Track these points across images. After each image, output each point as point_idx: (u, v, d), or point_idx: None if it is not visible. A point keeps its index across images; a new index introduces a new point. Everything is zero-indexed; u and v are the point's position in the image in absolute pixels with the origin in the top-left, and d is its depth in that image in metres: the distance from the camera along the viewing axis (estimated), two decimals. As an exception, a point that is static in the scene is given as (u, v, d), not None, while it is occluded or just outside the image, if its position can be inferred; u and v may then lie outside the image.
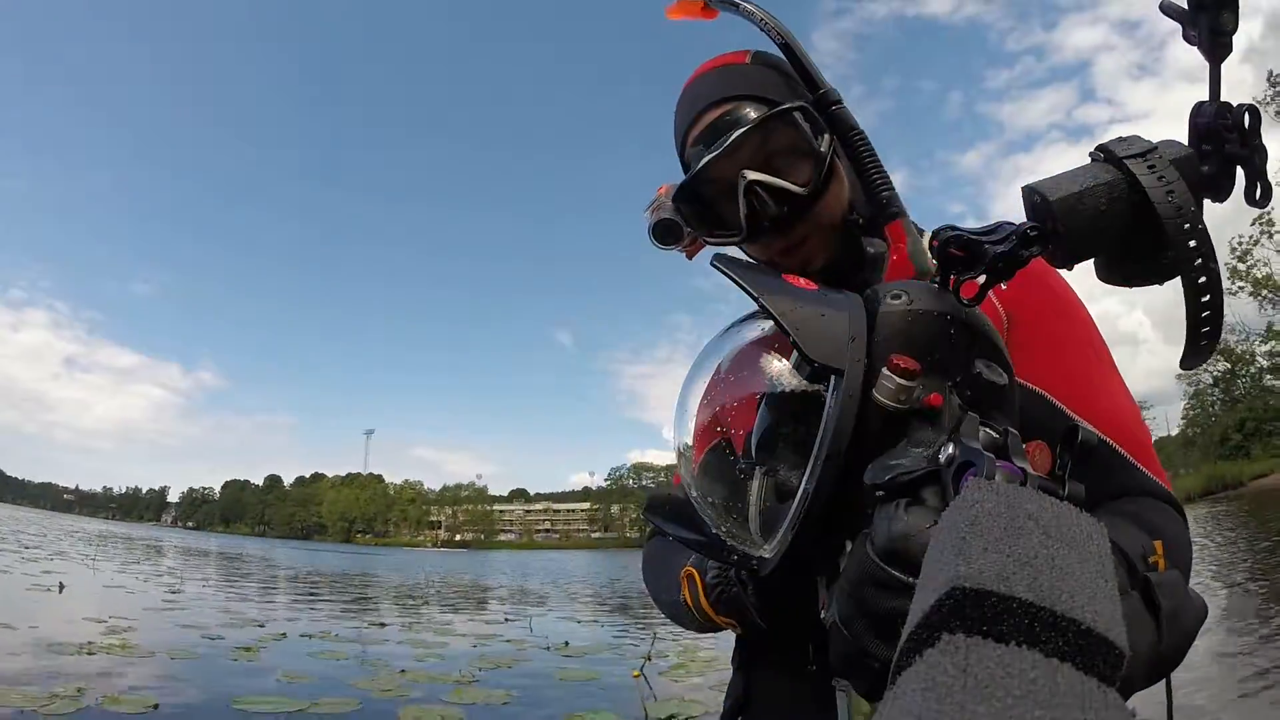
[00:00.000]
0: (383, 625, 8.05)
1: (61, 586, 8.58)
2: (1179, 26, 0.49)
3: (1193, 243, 0.42)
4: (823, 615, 0.45)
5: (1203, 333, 0.44)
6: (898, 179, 0.66)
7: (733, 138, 0.66)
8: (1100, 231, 0.44)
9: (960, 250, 0.45)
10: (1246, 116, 0.47)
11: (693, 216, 0.72)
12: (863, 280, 0.67)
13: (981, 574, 0.20)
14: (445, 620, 8.92)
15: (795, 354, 0.48)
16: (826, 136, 0.67)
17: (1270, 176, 0.48)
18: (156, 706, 3.60)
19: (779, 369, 0.51)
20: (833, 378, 0.43)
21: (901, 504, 0.37)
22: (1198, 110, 0.48)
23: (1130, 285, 0.49)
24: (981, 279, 0.44)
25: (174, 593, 9.96)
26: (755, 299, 0.46)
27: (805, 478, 0.43)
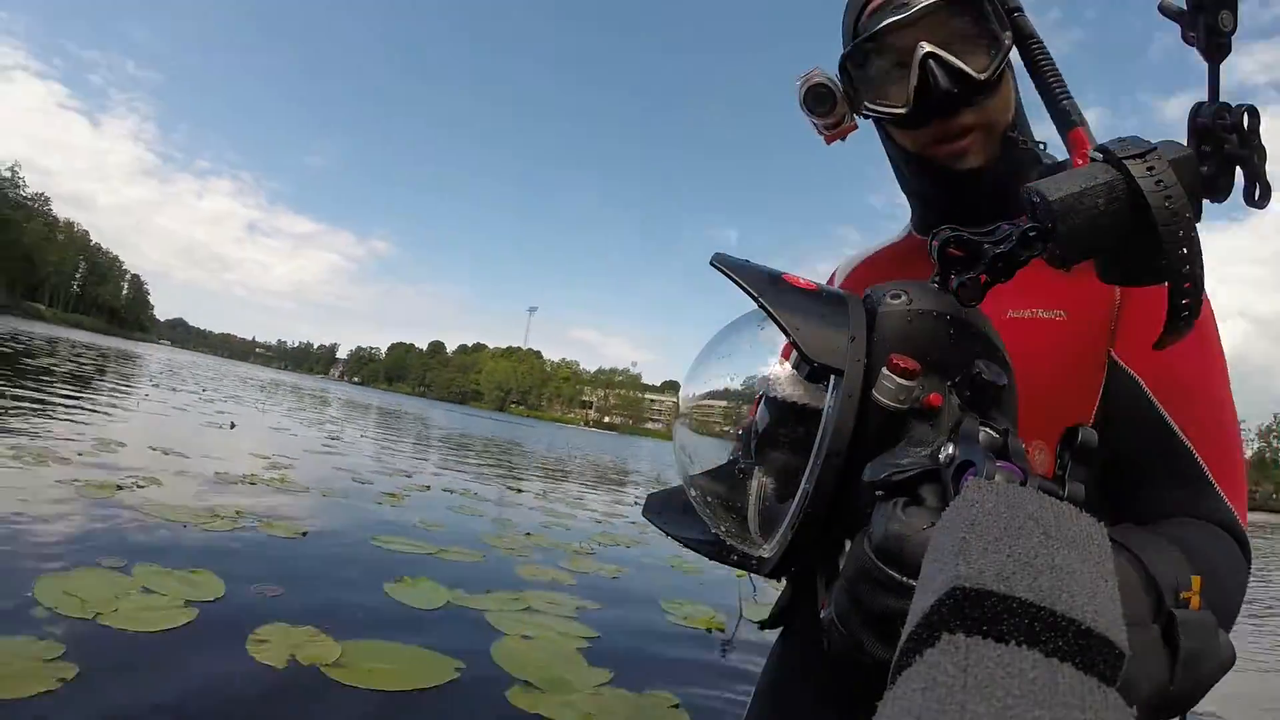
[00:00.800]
0: (520, 491, 8.37)
1: (233, 425, 9.14)
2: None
3: (1183, 250, 0.43)
4: (822, 615, 0.45)
5: (1178, 325, 0.46)
6: (1091, 117, 0.61)
7: (920, 5, 0.65)
8: (1099, 232, 0.44)
9: (960, 250, 0.45)
10: (1245, 116, 0.47)
11: (859, 79, 0.71)
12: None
13: (981, 574, 0.20)
14: (579, 495, 9.21)
15: (794, 353, 0.49)
16: (1009, 35, 0.65)
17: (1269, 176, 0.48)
18: (305, 534, 3.91)
19: (778, 368, 0.51)
20: (832, 377, 0.43)
21: (899, 503, 0.37)
22: (1196, 110, 0.48)
23: (1129, 285, 0.49)
24: (982, 279, 0.45)
25: (333, 439, 10.43)
26: (754, 298, 0.46)
27: (805, 477, 0.43)
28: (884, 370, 0.41)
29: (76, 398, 8.52)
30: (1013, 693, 0.17)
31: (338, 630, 2.48)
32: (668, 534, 0.63)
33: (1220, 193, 0.48)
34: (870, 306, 0.47)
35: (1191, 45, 0.50)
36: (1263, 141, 0.48)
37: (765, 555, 0.48)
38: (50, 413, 6.73)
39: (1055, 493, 0.32)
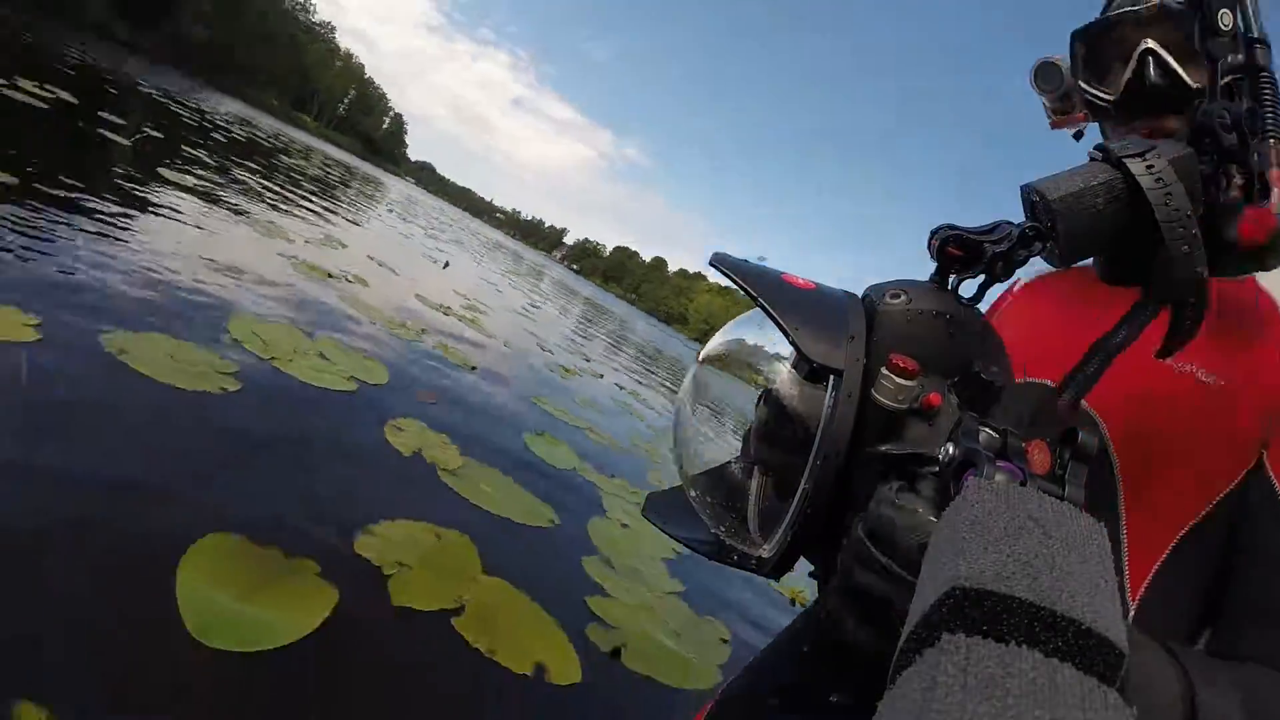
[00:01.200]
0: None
1: (447, 264, 9.57)
2: None
3: (1185, 248, 0.43)
4: (821, 616, 0.45)
5: (1184, 331, 0.45)
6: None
7: (1154, 4, 0.66)
8: (1098, 231, 0.44)
9: (959, 250, 0.45)
10: (1245, 115, 0.47)
11: (1083, 57, 0.72)
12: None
13: (981, 574, 0.20)
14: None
15: (793, 353, 0.48)
16: (1237, 59, 0.64)
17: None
18: (474, 369, 4.15)
19: (777, 368, 0.51)
20: (831, 377, 0.43)
21: (895, 486, 0.37)
22: (1197, 109, 0.48)
23: (1129, 285, 0.49)
24: (981, 278, 0.45)
25: (534, 307, 10.82)
26: (754, 298, 0.46)
27: (804, 477, 0.43)
28: (883, 370, 0.41)
29: (316, 200, 8.84)
30: (1013, 693, 0.17)
31: (467, 448, 2.67)
32: (667, 534, 0.63)
33: (1220, 191, 0.48)
34: (869, 306, 0.46)
35: (1191, 45, 0.50)
36: (1261, 140, 0.48)
37: (765, 555, 0.48)
38: (290, 205, 7.03)
39: (1055, 493, 0.32)
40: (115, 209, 3.52)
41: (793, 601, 3.57)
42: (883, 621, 0.36)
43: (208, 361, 2.20)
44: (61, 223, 2.85)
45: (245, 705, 1.03)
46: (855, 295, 0.48)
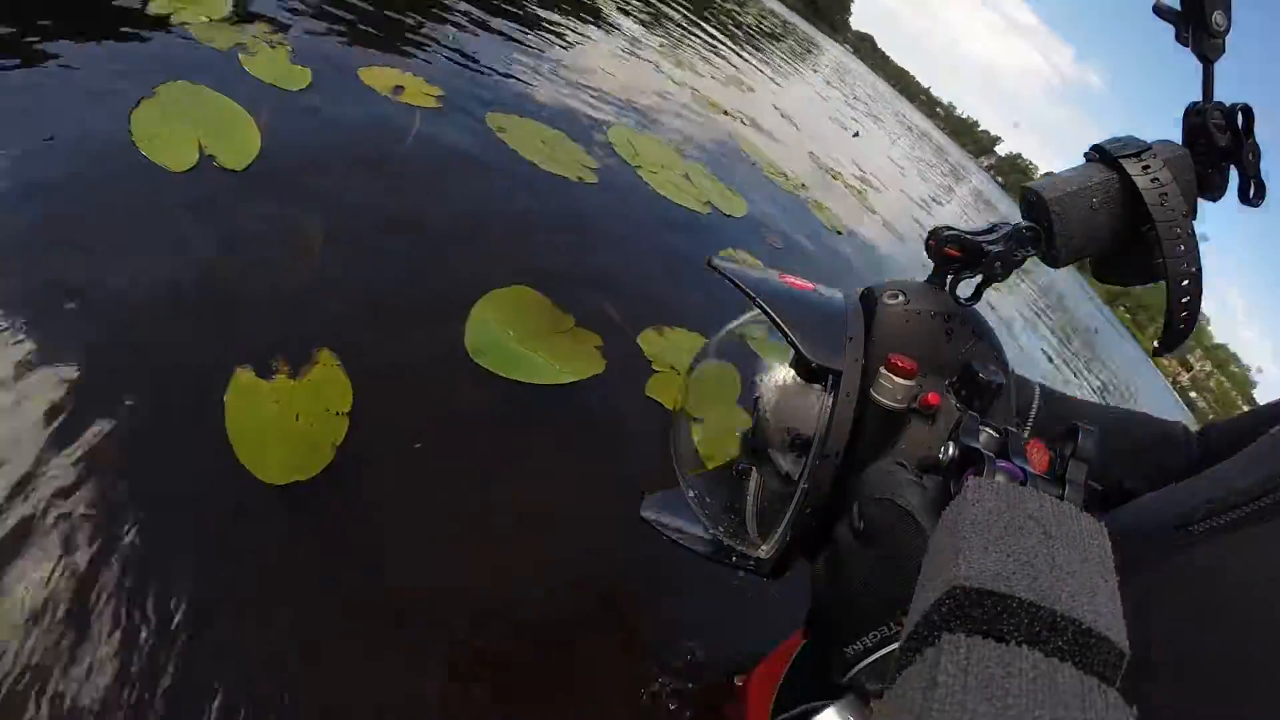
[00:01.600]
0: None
1: (856, 134, 8.94)
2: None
3: (1181, 247, 0.43)
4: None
5: (1179, 329, 0.46)
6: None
7: None
8: (1094, 231, 0.45)
9: (958, 251, 0.45)
10: (1240, 115, 0.47)
11: None
12: None
13: (982, 574, 0.21)
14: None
15: (793, 354, 0.49)
16: None
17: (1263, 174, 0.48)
18: (840, 233, 3.75)
19: (776, 369, 0.51)
20: (830, 377, 0.43)
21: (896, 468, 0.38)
22: (1191, 109, 0.48)
23: (1125, 284, 0.50)
24: (979, 278, 0.45)
25: (934, 202, 9.62)
26: (753, 299, 0.46)
27: (803, 477, 0.43)
28: (882, 370, 0.41)
29: (740, 46, 8.30)
30: (1013, 692, 0.17)
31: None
32: (666, 535, 0.63)
33: (1215, 191, 0.48)
34: (868, 307, 0.47)
35: (1185, 45, 0.50)
36: (1256, 140, 0.48)
37: (763, 555, 0.48)
38: (711, 45, 6.61)
39: (1055, 493, 0.32)
40: (541, 20, 3.51)
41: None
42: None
43: (575, 154, 2.23)
44: (483, 23, 2.91)
45: (485, 415, 1.16)
46: (854, 296, 0.49)
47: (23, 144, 1.06)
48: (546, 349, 1.33)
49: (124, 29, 1.42)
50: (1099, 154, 0.47)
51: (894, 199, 6.61)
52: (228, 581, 0.74)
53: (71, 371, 0.82)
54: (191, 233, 1.09)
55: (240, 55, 1.54)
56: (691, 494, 0.56)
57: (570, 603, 0.95)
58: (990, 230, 0.46)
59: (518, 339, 1.31)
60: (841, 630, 0.36)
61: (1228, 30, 0.49)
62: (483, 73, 2.39)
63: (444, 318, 1.25)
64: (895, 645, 0.33)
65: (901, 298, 0.45)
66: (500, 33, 2.91)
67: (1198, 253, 0.44)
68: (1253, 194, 0.48)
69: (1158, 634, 0.29)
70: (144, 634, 0.67)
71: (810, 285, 0.49)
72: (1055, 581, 0.20)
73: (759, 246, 2.64)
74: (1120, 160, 0.45)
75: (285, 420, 0.88)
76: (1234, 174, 0.48)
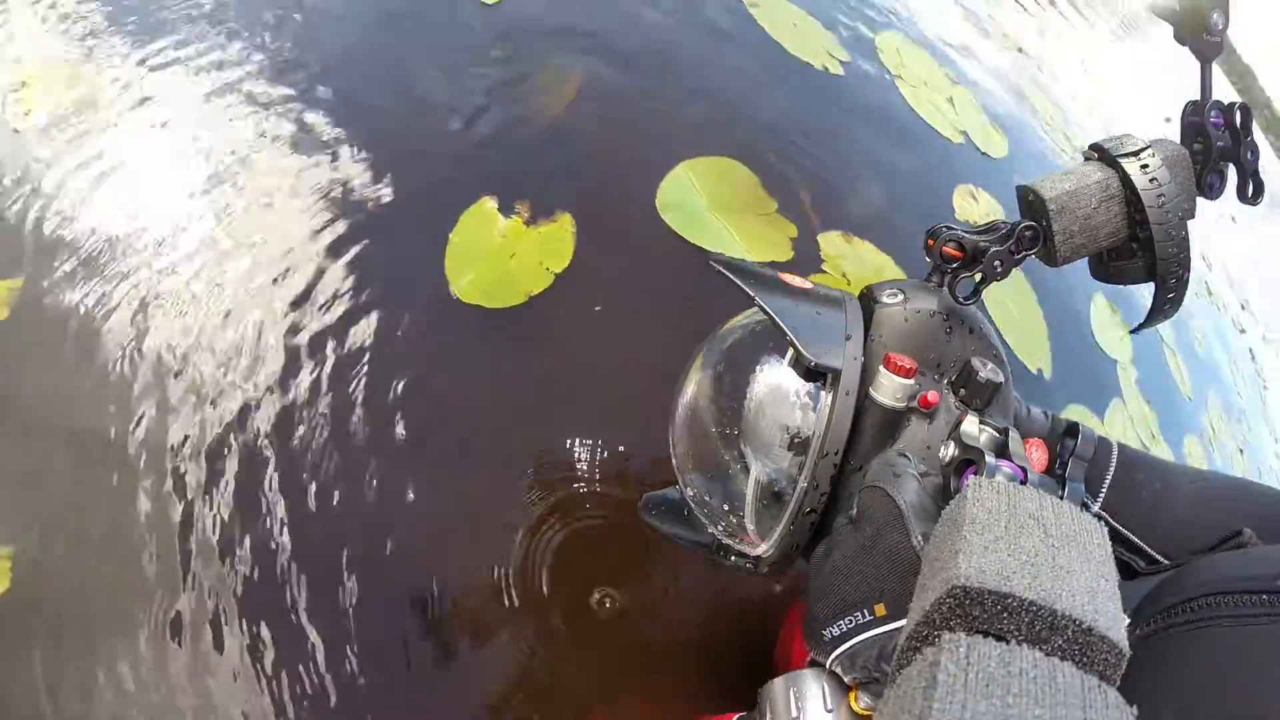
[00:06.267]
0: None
1: (1169, 120, 7.92)
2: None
3: (1173, 249, 0.44)
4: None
5: (1159, 315, 0.47)
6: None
7: None
8: (1092, 231, 0.45)
9: (957, 250, 0.45)
10: (1238, 114, 0.48)
11: None
12: None
13: (982, 573, 0.21)
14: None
15: (791, 352, 0.49)
16: None
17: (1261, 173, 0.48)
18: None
19: (775, 367, 0.51)
20: (829, 376, 0.43)
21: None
22: (1190, 108, 0.48)
23: (1124, 283, 0.50)
24: (978, 278, 0.45)
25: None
26: (751, 297, 0.46)
27: (802, 475, 0.43)
28: (881, 369, 0.42)
29: None
30: (1013, 691, 0.17)
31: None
32: (664, 534, 0.62)
33: (1213, 190, 0.48)
34: (867, 306, 0.47)
35: (1183, 45, 0.50)
36: (1254, 139, 0.48)
37: (763, 555, 0.48)
38: None
39: (1055, 492, 0.32)
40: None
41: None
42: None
43: (827, 43, 2.00)
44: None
45: (662, 273, 1.14)
46: (852, 295, 0.49)
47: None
48: (735, 224, 1.34)
49: None
50: (1098, 153, 0.47)
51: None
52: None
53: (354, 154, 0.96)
54: (424, 50, 1.17)
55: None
56: (690, 492, 0.56)
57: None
58: (990, 229, 0.46)
59: (709, 206, 1.32)
60: (822, 610, 0.36)
61: (1226, 29, 0.49)
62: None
63: (639, 176, 1.25)
64: (868, 635, 0.34)
65: (900, 296, 0.45)
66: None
67: (1189, 254, 0.44)
68: (1251, 192, 0.48)
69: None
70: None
71: (809, 284, 0.49)
72: (1055, 581, 0.20)
73: (1005, 191, 2.23)
74: (1119, 159, 0.45)
75: (501, 254, 0.95)
76: (1232, 173, 0.48)
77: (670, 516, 0.59)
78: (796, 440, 0.49)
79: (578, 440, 0.86)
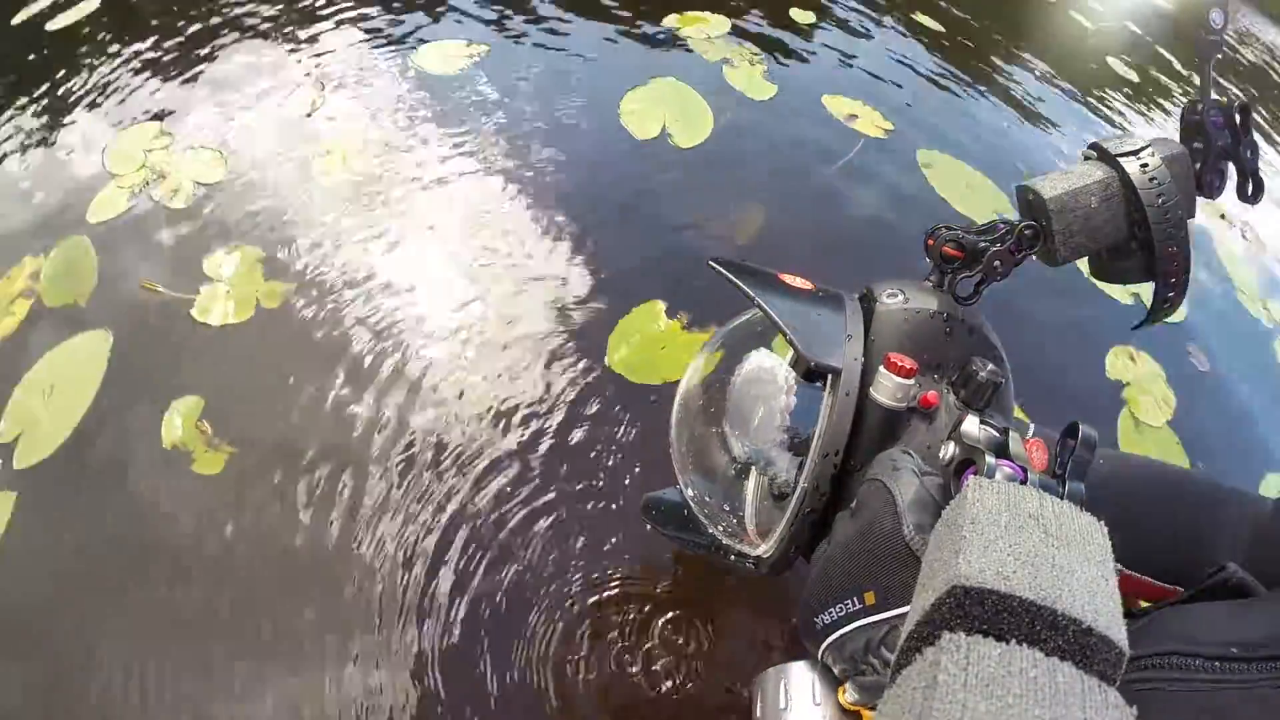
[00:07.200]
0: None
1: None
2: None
3: (1173, 248, 0.43)
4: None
5: (1158, 315, 0.48)
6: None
7: None
8: (1093, 230, 0.45)
9: (956, 250, 0.45)
10: (1237, 113, 0.48)
11: None
12: None
13: (982, 573, 0.21)
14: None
15: (791, 353, 0.48)
16: None
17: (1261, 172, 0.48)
18: None
19: (775, 368, 0.51)
20: (829, 377, 0.43)
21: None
22: (1189, 107, 0.48)
23: (1124, 283, 0.50)
24: (978, 278, 0.45)
25: None
26: (751, 299, 0.46)
27: (803, 476, 0.43)
28: (881, 369, 0.41)
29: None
30: (1013, 691, 0.17)
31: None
32: (664, 534, 0.62)
33: (1213, 189, 0.48)
34: (867, 306, 0.47)
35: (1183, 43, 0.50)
36: (1254, 138, 0.48)
37: (764, 555, 0.48)
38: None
39: (1055, 491, 0.32)
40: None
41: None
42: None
43: (995, 201, 1.85)
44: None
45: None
46: (853, 295, 0.49)
47: (556, 100, 1.49)
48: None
49: (642, 34, 1.78)
50: (1098, 152, 0.47)
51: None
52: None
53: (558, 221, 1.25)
54: (639, 181, 1.39)
55: (724, 67, 1.73)
56: (691, 493, 0.56)
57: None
58: (989, 229, 0.46)
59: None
60: (815, 597, 0.36)
61: (1225, 29, 0.49)
62: (943, 112, 2.13)
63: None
64: (857, 624, 0.34)
65: (900, 297, 0.45)
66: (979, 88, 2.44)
67: (1189, 254, 0.44)
68: (1250, 191, 0.48)
69: None
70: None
71: (810, 285, 0.49)
72: (1056, 581, 0.20)
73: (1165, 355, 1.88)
74: (1118, 159, 0.45)
75: (653, 344, 1.11)
76: (1232, 172, 0.48)
77: (671, 517, 0.59)
78: (796, 440, 0.49)
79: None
